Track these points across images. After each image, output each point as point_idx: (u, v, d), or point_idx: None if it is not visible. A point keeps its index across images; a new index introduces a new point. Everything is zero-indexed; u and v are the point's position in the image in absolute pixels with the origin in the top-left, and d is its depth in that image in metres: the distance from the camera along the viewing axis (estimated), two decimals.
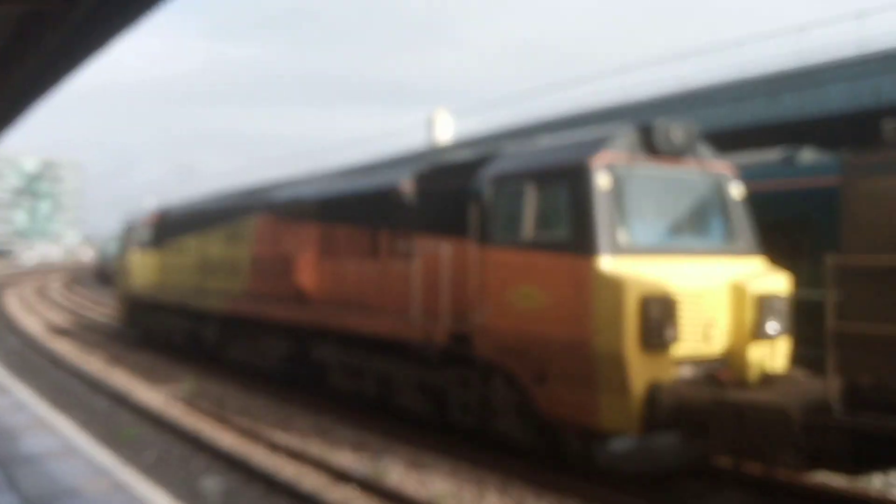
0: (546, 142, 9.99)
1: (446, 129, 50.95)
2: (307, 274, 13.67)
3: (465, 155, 10.96)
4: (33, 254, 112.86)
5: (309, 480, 9.17)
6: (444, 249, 10.00)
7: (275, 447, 10.63)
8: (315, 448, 10.53)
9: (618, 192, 8.50)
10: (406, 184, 11.21)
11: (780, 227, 10.66)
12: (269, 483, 9.02)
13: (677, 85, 30.88)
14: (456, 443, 10.39)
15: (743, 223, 9.33)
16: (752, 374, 8.42)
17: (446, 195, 10.50)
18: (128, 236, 23.63)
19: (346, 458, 10.05)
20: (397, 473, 9.32)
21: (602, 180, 8.41)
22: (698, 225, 9.20)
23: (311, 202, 13.70)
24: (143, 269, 22.01)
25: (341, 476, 9.24)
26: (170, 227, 21.24)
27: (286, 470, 9.56)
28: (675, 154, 8.94)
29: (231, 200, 17.99)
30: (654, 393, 7.73)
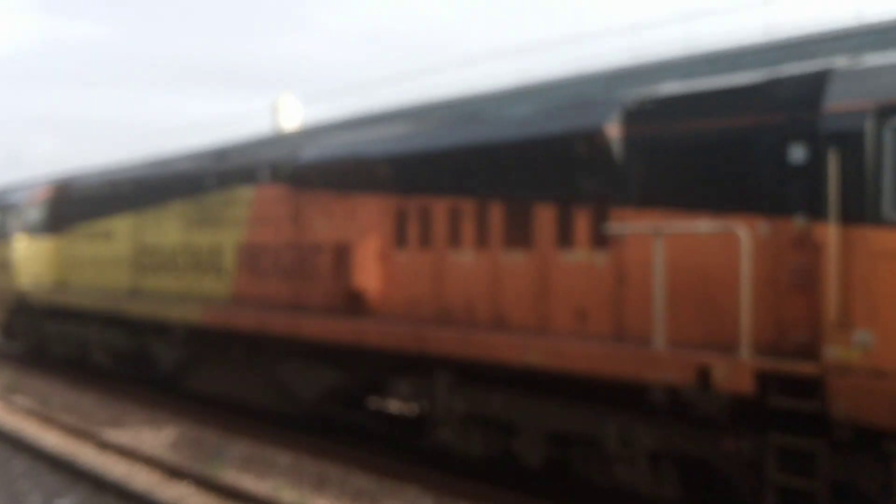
0: None
1: (293, 115, 47.36)
2: (370, 272, 9.09)
3: (743, 79, 6.81)
4: None
5: (140, 479, 8.88)
6: (741, 232, 5.89)
7: (104, 445, 10.25)
8: (147, 445, 10.30)
9: None
10: (612, 128, 6.97)
11: None
12: (97, 483, 8.67)
13: (517, 78, 28.70)
14: (297, 434, 10.37)
15: None
16: None
17: (714, 143, 6.39)
18: (3, 219, 17.52)
19: (180, 455, 9.90)
20: (235, 468, 9.23)
21: None
22: None
23: (383, 162, 9.07)
24: (33, 262, 16.14)
25: (175, 473, 9.00)
26: (76, 204, 15.59)
27: (116, 469, 9.24)
28: None
29: (195, 165, 12.81)
30: None
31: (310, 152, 10.26)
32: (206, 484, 8.49)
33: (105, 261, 14.27)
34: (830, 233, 5.52)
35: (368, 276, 9.11)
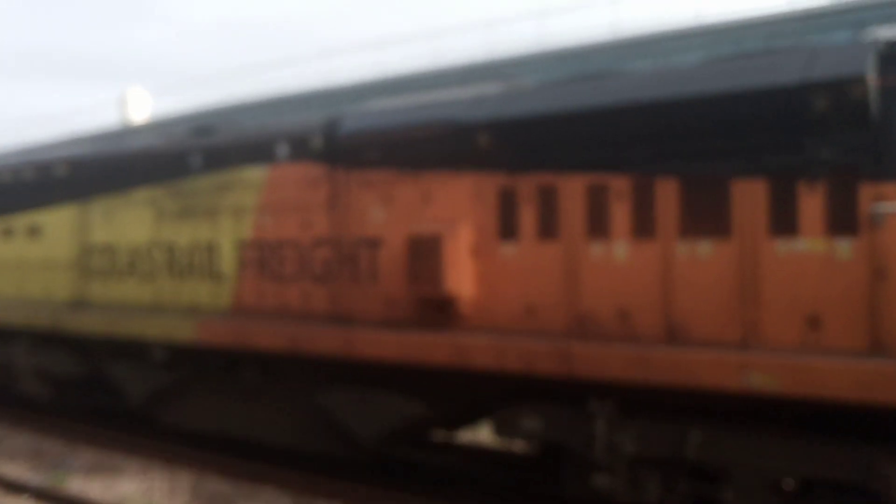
0: None
1: (142, 108, 44.75)
2: (463, 273, 7.02)
3: None
4: None
5: None
6: None
7: None
8: None
9: None
10: (871, 77, 5.28)
11: None
12: None
13: (378, 72, 28.61)
14: (145, 441, 10.05)
15: None
16: None
17: None
18: None
19: (20, 468, 9.49)
20: (80, 478, 8.92)
21: None
22: None
23: (482, 129, 6.98)
24: None
25: (14, 487, 8.68)
26: None
27: None
28: None
29: (168, 141, 10.12)
30: None
31: (357, 120, 8.00)
32: (48, 496, 8.30)
33: (31, 265, 11.29)
34: None
35: (460, 277, 7.03)
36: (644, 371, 5.93)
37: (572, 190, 6.57)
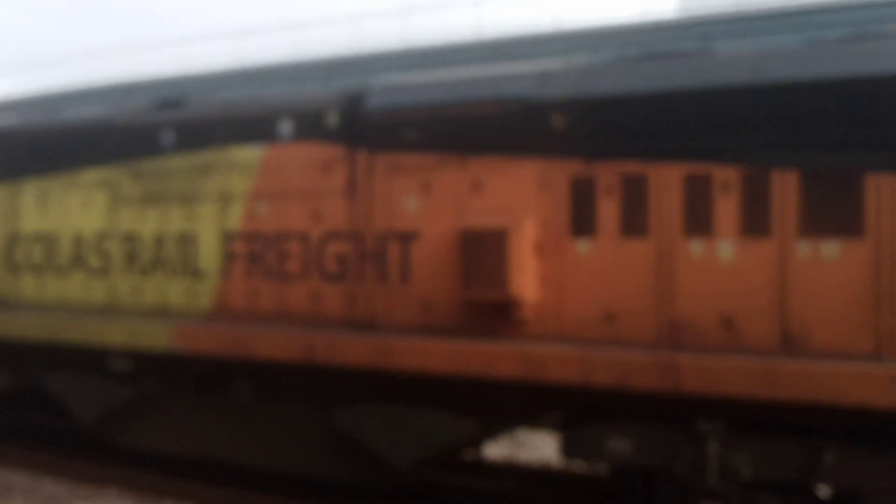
0: None
1: None
2: (528, 272, 6.10)
3: None
4: None
5: None
6: None
7: None
8: None
9: None
10: None
11: None
12: None
13: (234, 60, 27.04)
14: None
15: None
16: None
17: None
18: None
19: None
20: None
21: None
22: None
23: (555, 108, 6.05)
24: None
25: None
26: None
27: None
28: None
29: (126, 114, 8.54)
30: None
31: (388, 94, 6.88)
32: None
33: None
34: None
35: (526, 278, 6.11)
36: (767, 386, 5.23)
37: (667, 180, 5.79)
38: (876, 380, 4.99)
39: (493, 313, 6.27)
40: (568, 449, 6.09)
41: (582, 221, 6.07)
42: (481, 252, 6.14)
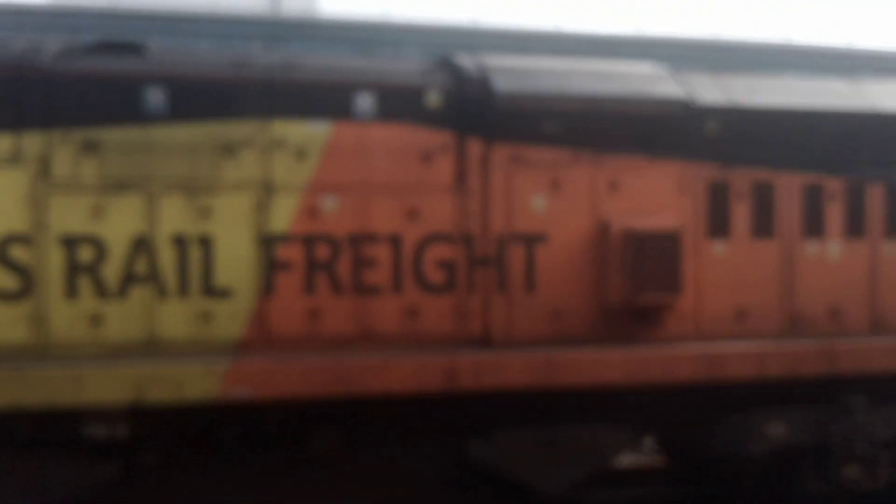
0: None
1: None
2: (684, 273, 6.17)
3: None
4: None
5: None
6: None
7: None
8: None
9: None
10: None
11: None
12: None
13: None
14: None
15: None
16: None
17: None
18: None
19: None
20: None
21: None
22: None
23: (710, 113, 6.08)
24: None
25: None
26: None
27: None
28: None
29: (70, 58, 5.43)
30: None
31: (517, 78, 5.99)
32: None
33: None
34: None
35: (687, 280, 6.15)
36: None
37: (790, 187, 6.48)
38: None
39: (639, 318, 6.13)
40: (728, 440, 6.32)
41: (718, 223, 6.36)
42: (654, 255, 5.95)
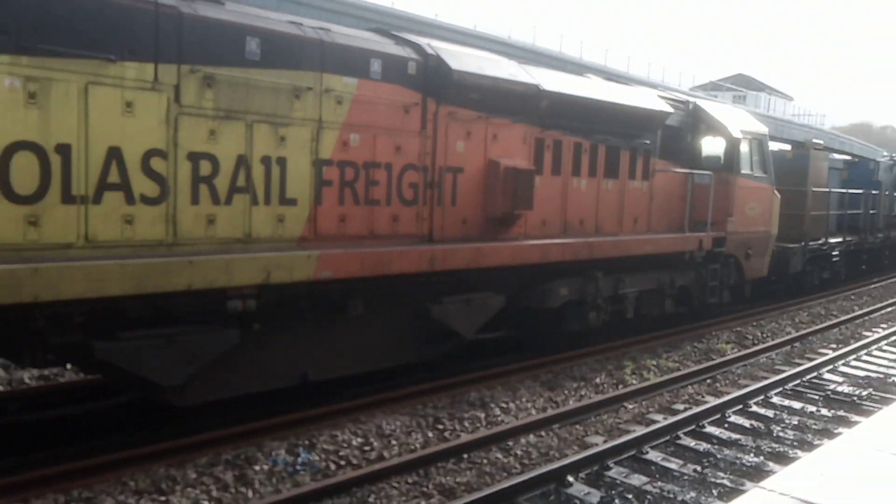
0: None
1: None
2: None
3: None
4: None
5: None
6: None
7: None
8: None
9: None
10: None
11: None
12: None
13: None
14: None
15: None
16: None
17: None
18: None
19: None
20: None
21: None
22: None
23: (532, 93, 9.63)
24: None
25: None
26: None
27: None
28: None
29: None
30: None
31: (461, 61, 8.72)
32: None
33: None
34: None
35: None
36: (616, 250, 11.01)
37: (568, 144, 10.56)
38: (637, 243, 11.44)
39: (504, 224, 9.59)
40: (536, 298, 10.17)
41: (538, 165, 10.12)
42: (524, 183, 9.43)
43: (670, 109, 12.33)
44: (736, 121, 13.87)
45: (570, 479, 6.82)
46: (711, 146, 12.99)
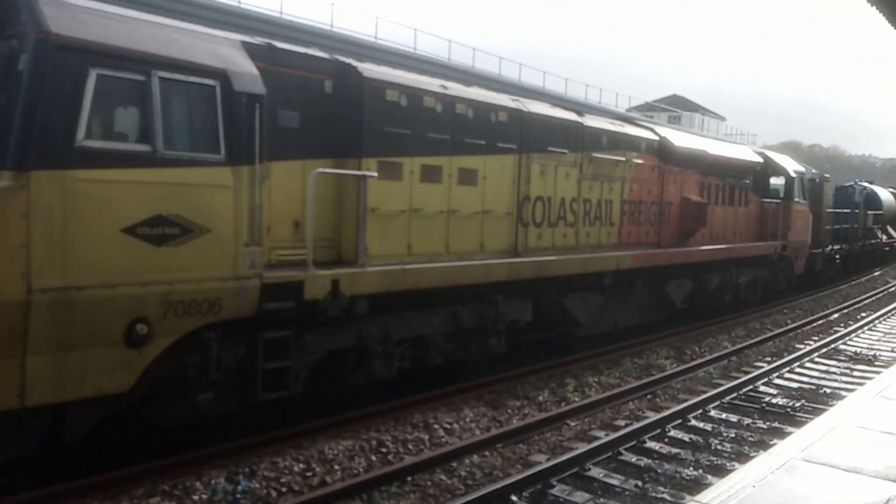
0: None
1: None
2: None
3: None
4: None
5: None
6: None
7: None
8: None
9: None
10: None
11: None
12: None
13: None
14: None
15: None
16: None
17: None
18: None
19: None
20: None
21: None
22: None
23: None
24: None
25: None
26: None
27: None
28: None
29: (580, 122, 11.95)
30: None
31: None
32: None
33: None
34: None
35: None
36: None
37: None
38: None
39: (690, 236, 15.60)
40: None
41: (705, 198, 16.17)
42: (698, 210, 15.46)
43: (760, 160, 18.63)
44: (790, 165, 20.30)
45: (514, 498, 6.83)
46: (776, 182, 19.34)
